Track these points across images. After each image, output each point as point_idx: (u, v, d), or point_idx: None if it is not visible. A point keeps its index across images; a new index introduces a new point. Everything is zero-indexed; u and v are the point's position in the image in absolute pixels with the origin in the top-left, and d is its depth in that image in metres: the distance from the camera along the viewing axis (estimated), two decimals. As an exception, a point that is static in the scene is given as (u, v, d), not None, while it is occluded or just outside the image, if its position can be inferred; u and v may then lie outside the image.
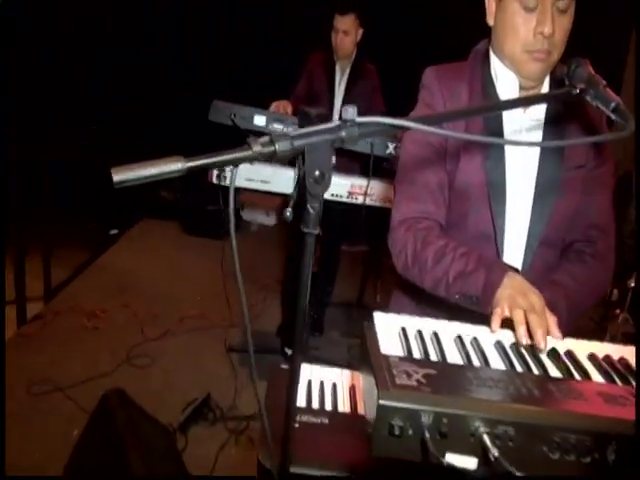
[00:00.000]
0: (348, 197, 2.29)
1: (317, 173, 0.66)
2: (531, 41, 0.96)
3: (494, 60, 1.06)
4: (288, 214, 0.74)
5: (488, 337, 0.86)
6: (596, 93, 0.84)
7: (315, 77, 2.70)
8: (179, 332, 2.85)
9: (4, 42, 3.14)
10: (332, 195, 2.26)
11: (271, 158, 0.63)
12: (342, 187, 2.27)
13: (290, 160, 2.34)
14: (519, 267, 1.07)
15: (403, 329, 0.84)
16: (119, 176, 0.57)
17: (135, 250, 3.82)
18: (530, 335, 0.83)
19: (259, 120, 2.02)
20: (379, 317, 0.88)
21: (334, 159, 2.23)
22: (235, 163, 0.62)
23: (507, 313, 0.87)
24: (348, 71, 2.71)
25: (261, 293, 3.41)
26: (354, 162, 2.52)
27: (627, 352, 0.85)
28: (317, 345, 2.96)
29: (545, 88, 1.06)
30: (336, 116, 2.66)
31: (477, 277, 0.95)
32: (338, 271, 3.18)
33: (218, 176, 2.15)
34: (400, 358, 0.74)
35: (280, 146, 0.62)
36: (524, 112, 1.05)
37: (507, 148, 1.04)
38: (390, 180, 2.33)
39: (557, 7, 0.93)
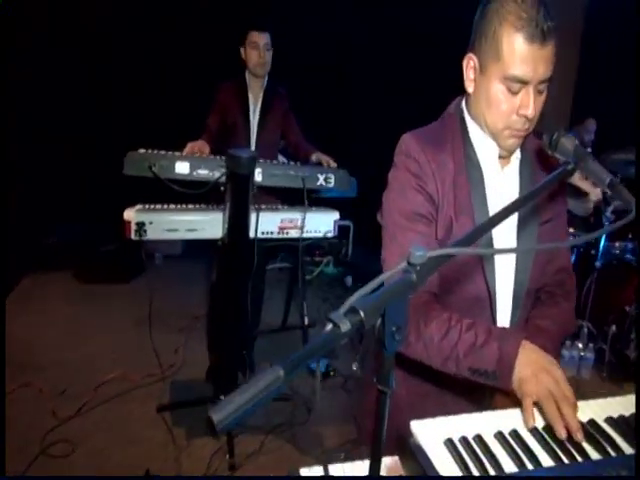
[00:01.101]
0: (279, 233, 2.19)
1: (393, 328, 0.58)
2: (513, 120, 0.98)
3: (472, 126, 1.07)
4: (355, 368, 0.65)
5: (523, 425, 0.86)
6: (587, 167, 0.86)
7: (228, 108, 2.54)
8: (98, 403, 2.49)
9: (4, 42, 3.10)
10: (263, 233, 2.14)
11: (360, 329, 0.53)
12: (272, 223, 2.17)
13: (217, 200, 2.13)
14: (508, 320, 1.11)
15: (450, 440, 0.81)
16: (220, 414, 0.44)
17: (26, 314, 3.25)
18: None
19: (182, 167, 1.82)
20: (418, 428, 0.83)
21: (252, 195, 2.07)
22: (331, 350, 0.51)
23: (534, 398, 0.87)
24: (261, 97, 2.60)
25: (181, 336, 3.16)
26: (271, 196, 2.42)
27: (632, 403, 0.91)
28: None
29: (517, 154, 1.10)
30: (253, 147, 2.55)
31: (490, 350, 0.93)
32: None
33: (137, 231, 1.90)
34: (465, 482, 0.71)
35: (366, 312, 0.53)
36: (502, 171, 1.08)
37: (491, 212, 1.05)
38: (320, 209, 2.30)
39: (537, 89, 0.96)
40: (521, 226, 1.08)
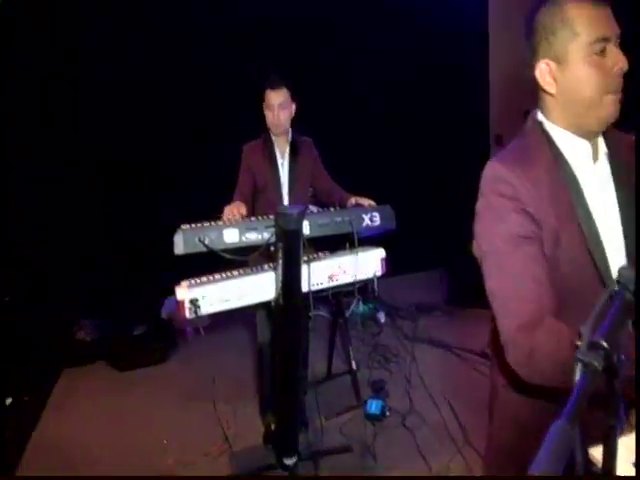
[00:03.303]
0: (329, 281, 2.15)
1: (622, 356, 0.56)
2: (611, 81, 1.00)
3: (557, 132, 1.07)
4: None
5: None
6: None
7: (257, 167, 2.54)
8: (165, 493, 2.37)
9: (4, 42, 3.18)
10: (314, 285, 2.08)
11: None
12: (322, 273, 2.12)
13: (268, 256, 2.09)
14: None
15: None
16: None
17: (69, 413, 3.10)
18: None
19: (230, 236, 1.81)
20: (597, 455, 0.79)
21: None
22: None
23: None
24: (288, 151, 2.60)
25: (229, 408, 3.04)
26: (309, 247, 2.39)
27: None
28: (309, 440, 2.68)
29: (604, 148, 1.10)
30: (286, 201, 2.55)
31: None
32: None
33: (191, 308, 1.86)
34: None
35: (608, 342, 0.52)
36: (594, 167, 1.07)
37: (593, 213, 1.04)
38: (365, 248, 2.19)
39: (617, 44, 1.00)
40: (624, 215, 1.06)
